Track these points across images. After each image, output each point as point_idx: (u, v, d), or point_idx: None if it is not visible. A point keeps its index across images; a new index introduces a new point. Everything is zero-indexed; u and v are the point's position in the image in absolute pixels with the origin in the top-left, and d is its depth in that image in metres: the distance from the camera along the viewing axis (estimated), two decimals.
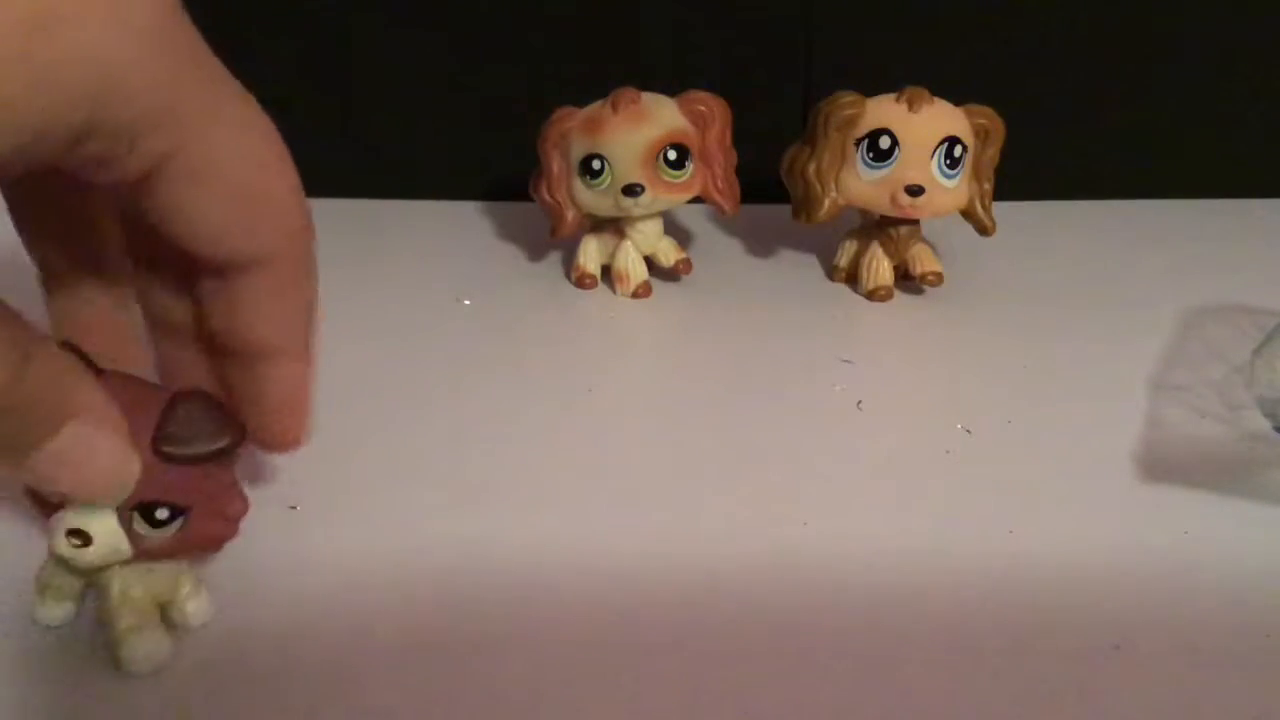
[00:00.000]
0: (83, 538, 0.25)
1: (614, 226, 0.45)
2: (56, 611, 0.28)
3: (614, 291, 0.46)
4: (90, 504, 0.24)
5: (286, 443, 0.26)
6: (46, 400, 0.22)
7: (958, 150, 0.42)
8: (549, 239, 0.45)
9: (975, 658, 0.27)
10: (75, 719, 0.26)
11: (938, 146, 0.42)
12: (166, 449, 0.24)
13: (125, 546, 0.25)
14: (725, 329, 0.43)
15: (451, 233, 0.51)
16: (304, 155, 0.23)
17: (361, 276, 0.47)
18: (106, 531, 0.25)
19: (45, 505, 0.25)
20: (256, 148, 0.22)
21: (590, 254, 0.46)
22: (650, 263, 0.45)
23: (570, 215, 0.44)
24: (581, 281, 0.46)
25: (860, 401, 0.38)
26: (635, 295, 0.45)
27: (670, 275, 0.46)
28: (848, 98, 0.42)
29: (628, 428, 0.37)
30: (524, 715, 0.25)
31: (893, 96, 0.42)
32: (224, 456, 0.25)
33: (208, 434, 0.25)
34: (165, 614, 0.27)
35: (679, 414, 0.38)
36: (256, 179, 0.22)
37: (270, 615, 0.28)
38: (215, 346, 0.25)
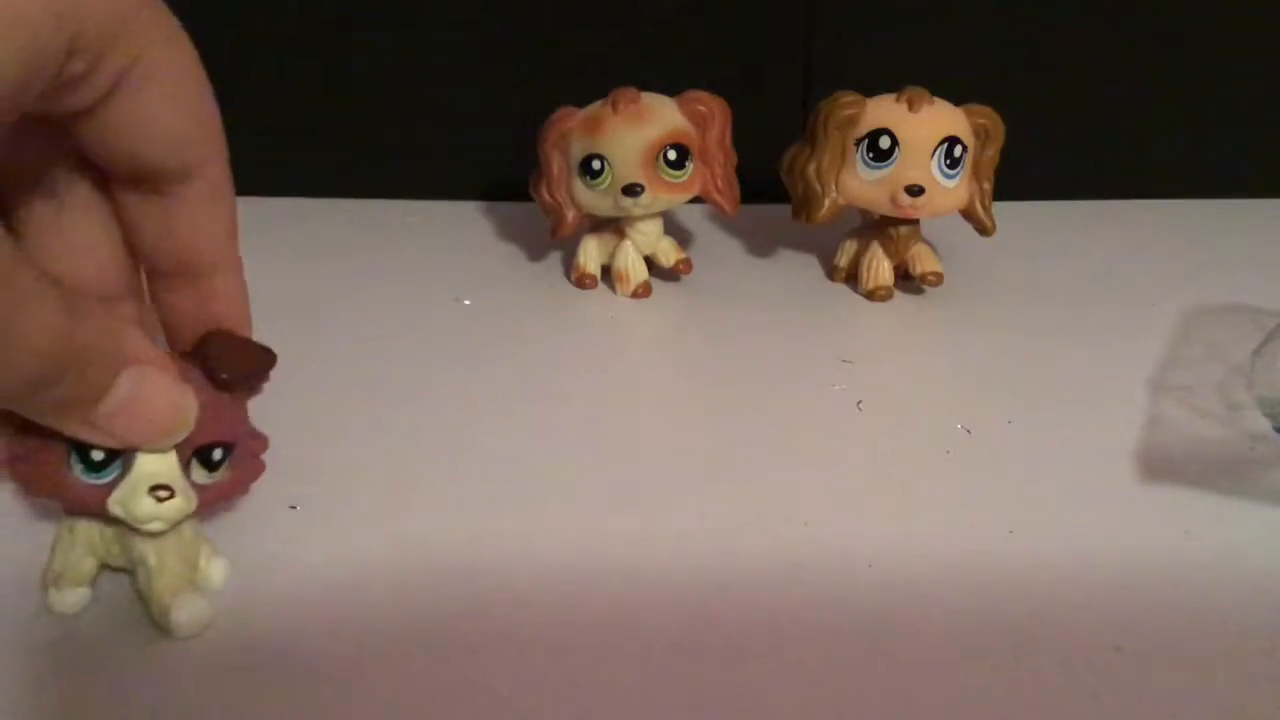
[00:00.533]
0: (168, 490, 0.25)
1: (614, 226, 0.45)
2: (72, 598, 0.28)
3: (614, 291, 0.46)
4: (158, 448, 0.25)
5: None
6: (100, 351, 0.23)
7: (958, 150, 0.42)
8: (549, 239, 0.45)
9: (975, 658, 0.27)
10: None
11: (938, 146, 0.42)
12: (226, 377, 0.26)
13: (193, 495, 0.26)
14: (725, 329, 0.43)
15: (451, 233, 0.51)
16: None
17: (361, 276, 0.47)
18: (180, 483, 0.26)
19: (67, 491, 0.26)
20: (191, 56, 0.23)
21: (590, 254, 0.46)
22: (650, 263, 0.45)
23: (570, 215, 0.44)
24: (581, 281, 0.46)
25: (860, 401, 0.38)
26: (635, 295, 0.45)
27: (670, 275, 0.46)
28: (848, 98, 0.42)
29: (628, 428, 0.37)
30: (522, 714, 0.25)
31: (893, 96, 0.42)
32: (265, 376, 0.27)
33: (252, 358, 0.26)
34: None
35: (679, 414, 0.38)
36: (195, 83, 0.24)
37: (270, 614, 0.28)
38: (152, 271, 0.26)
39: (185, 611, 0.27)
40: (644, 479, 0.34)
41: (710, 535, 0.31)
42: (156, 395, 0.24)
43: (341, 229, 0.51)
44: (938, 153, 0.42)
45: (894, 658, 0.27)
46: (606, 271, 0.46)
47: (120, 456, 0.25)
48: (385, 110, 0.53)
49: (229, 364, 0.26)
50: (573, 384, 0.39)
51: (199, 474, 0.26)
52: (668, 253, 0.45)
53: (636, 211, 0.43)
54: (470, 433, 0.36)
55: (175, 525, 0.27)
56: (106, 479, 0.25)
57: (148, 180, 0.24)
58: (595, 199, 0.43)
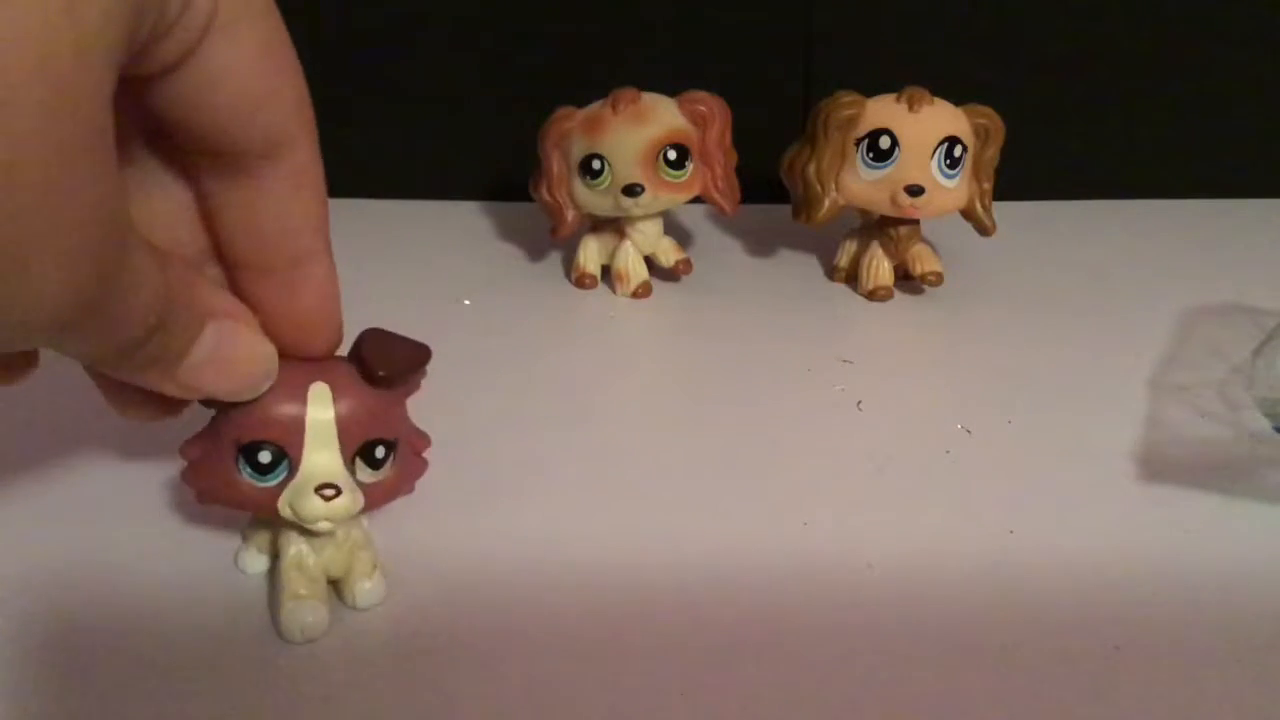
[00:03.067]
0: (334, 489, 0.25)
1: (614, 226, 0.45)
2: (256, 561, 0.29)
3: (614, 291, 0.46)
4: (239, 399, 0.25)
5: (329, 345, 0.26)
6: (185, 306, 0.22)
7: (958, 150, 0.42)
8: (549, 239, 0.45)
9: (975, 658, 0.27)
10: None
11: (938, 146, 0.42)
12: (383, 374, 0.26)
13: (359, 494, 0.26)
14: (725, 329, 0.43)
15: (451, 233, 0.51)
16: None
17: (362, 276, 0.47)
18: (347, 482, 0.26)
19: (239, 494, 0.26)
20: (271, 5, 0.22)
21: (590, 254, 0.46)
22: (650, 263, 0.45)
23: (570, 215, 0.44)
24: (581, 281, 0.46)
25: (860, 401, 0.38)
26: (635, 295, 0.45)
27: (670, 275, 0.46)
28: (848, 98, 0.42)
29: (627, 428, 0.37)
30: (521, 713, 0.25)
31: (893, 96, 0.42)
32: (421, 372, 0.27)
33: (407, 354, 0.26)
34: (338, 589, 0.28)
35: (679, 414, 0.38)
36: (280, 35, 0.22)
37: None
38: (234, 265, 0.25)
39: (297, 617, 0.27)
40: (643, 478, 0.34)
41: (709, 535, 0.31)
42: (240, 348, 0.24)
43: (341, 229, 0.51)
44: (938, 153, 0.42)
45: (894, 658, 0.27)
46: (606, 271, 0.46)
47: (286, 458, 0.25)
48: (385, 110, 0.53)
49: (385, 361, 0.26)
50: (572, 384, 0.39)
51: (364, 473, 0.26)
52: (668, 253, 0.45)
53: (636, 211, 0.43)
54: (470, 433, 0.36)
55: (344, 524, 0.27)
56: (274, 481, 0.26)
57: (233, 158, 0.23)
58: (595, 199, 0.43)
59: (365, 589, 0.28)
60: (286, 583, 0.27)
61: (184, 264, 0.23)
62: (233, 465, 0.26)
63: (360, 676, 0.26)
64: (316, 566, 0.28)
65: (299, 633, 0.27)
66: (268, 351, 0.25)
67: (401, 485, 0.28)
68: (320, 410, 0.25)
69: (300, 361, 0.25)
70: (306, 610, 0.27)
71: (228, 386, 0.24)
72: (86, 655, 0.27)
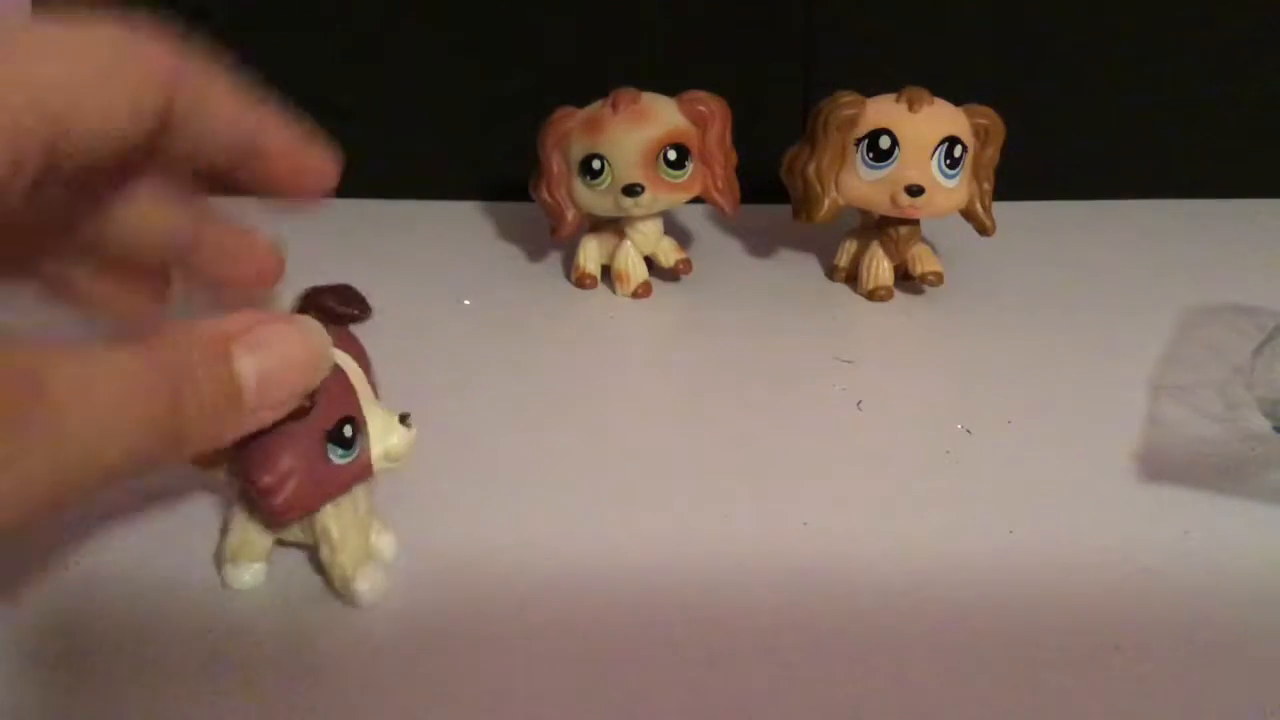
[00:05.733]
0: (408, 414, 0.27)
1: (614, 226, 0.45)
2: (248, 574, 0.29)
3: (614, 291, 0.46)
4: (322, 378, 0.25)
5: (281, 264, 0.28)
6: (191, 364, 0.22)
7: (958, 150, 0.42)
8: (549, 239, 0.45)
9: (975, 657, 0.27)
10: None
11: (938, 146, 0.42)
12: (357, 312, 0.30)
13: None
14: (725, 329, 0.43)
15: (451, 233, 0.51)
16: None
17: (362, 277, 0.47)
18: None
19: (336, 483, 0.27)
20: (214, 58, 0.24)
21: (590, 254, 0.46)
22: (650, 263, 0.46)
23: (570, 215, 0.44)
24: (581, 281, 0.46)
25: (860, 401, 0.38)
26: (635, 295, 0.45)
27: (670, 275, 0.46)
28: (848, 98, 0.42)
29: (627, 427, 0.37)
30: (520, 713, 0.25)
31: (893, 96, 0.42)
32: None
33: (348, 290, 0.31)
34: (332, 584, 0.29)
35: (679, 414, 0.38)
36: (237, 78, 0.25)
37: (273, 612, 0.28)
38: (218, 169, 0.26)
39: (367, 582, 0.28)
40: (643, 478, 0.34)
41: (709, 535, 0.31)
42: (282, 349, 0.23)
43: (342, 229, 0.51)
44: (938, 153, 0.42)
45: (893, 657, 0.27)
46: (606, 271, 0.46)
47: (358, 424, 0.27)
48: (386, 110, 0.53)
49: (350, 298, 0.29)
50: (573, 384, 0.39)
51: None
52: (668, 253, 0.45)
53: (636, 211, 0.43)
54: (470, 433, 0.36)
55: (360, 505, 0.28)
56: (357, 450, 0.27)
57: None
58: (595, 199, 0.43)
59: (384, 543, 0.29)
60: (344, 559, 0.28)
61: (154, 325, 0.24)
62: (323, 457, 0.26)
63: (365, 673, 0.26)
64: (358, 536, 0.28)
65: (374, 594, 0.28)
66: (312, 330, 0.24)
67: None
68: (349, 367, 0.27)
69: None
70: (372, 575, 0.28)
71: (300, 385, 0.24)
72: (96, 657, 0.27)
